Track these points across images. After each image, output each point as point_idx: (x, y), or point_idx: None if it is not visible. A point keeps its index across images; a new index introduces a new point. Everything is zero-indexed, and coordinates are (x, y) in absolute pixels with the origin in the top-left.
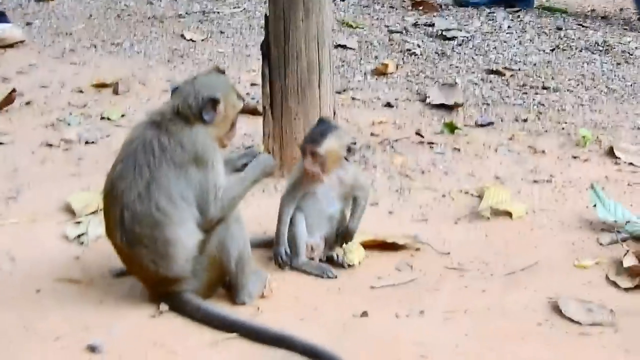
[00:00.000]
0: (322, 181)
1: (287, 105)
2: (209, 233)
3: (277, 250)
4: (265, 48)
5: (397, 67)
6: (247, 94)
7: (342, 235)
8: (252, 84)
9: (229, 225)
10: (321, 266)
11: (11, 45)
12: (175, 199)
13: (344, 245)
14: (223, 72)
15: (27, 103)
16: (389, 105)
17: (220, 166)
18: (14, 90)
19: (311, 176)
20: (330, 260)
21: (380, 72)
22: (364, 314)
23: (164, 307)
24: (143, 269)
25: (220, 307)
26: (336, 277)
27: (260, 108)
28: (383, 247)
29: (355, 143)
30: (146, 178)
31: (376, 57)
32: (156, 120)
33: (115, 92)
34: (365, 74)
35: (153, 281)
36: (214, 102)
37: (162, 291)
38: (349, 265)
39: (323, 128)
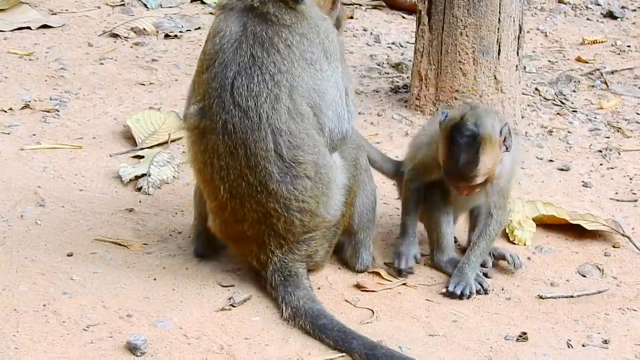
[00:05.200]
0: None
1: (452, 14)
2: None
3: (401, 251)
4: None
5: None
6: None
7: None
8: None
9: (361, 175)
10: (469, 278)
11: None
12: (319, 107)
13: (511, 220)
14: None
15: None
16: (610, 15)
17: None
18: None
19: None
20: (501, 257)
21: None
22: (523, 336)
23: (239, 296)
24: (291, 210)
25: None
26: (469, 296)
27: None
28: (564, 230)
29: (507, 124)
30: (285, 86)
31: None
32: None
33: None
34: None
35: (290, 233)
36: None
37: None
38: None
39: (469, 149)
